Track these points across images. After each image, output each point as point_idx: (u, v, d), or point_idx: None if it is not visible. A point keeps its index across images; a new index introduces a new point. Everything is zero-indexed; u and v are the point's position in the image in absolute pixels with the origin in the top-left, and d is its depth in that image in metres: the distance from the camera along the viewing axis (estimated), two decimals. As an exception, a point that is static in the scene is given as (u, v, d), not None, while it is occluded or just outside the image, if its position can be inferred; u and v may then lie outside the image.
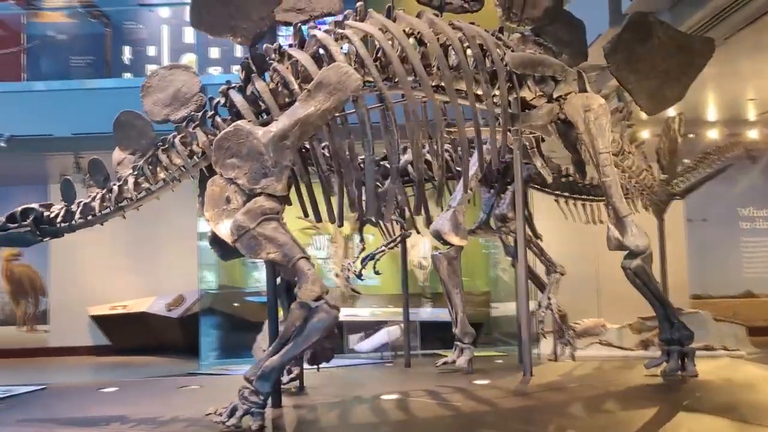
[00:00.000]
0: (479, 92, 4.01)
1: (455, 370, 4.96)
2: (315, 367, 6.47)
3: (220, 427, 3.16)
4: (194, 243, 11.98)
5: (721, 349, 8.05)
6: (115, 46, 13.06)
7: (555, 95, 4.33)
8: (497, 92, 4.17)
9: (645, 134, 10.03)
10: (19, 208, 3.74)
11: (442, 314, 11.82)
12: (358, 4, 3.96)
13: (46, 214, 3.79)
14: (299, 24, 3.83)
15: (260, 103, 3.60)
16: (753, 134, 8.90)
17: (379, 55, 3.74)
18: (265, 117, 3.58)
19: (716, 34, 5.89)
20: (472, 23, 4.15)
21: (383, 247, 6.39)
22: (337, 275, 11.58)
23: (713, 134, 9.35)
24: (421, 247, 12.54)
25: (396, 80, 3.71)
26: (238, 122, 3.46)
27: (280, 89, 3.63)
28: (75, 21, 13.43)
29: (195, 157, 3.68)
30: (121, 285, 13.56)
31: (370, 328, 9.06)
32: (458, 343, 5.06)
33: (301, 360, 4.59)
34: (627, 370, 5.08)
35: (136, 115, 3.72)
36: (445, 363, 5.05)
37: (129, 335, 13.46)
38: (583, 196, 5.93)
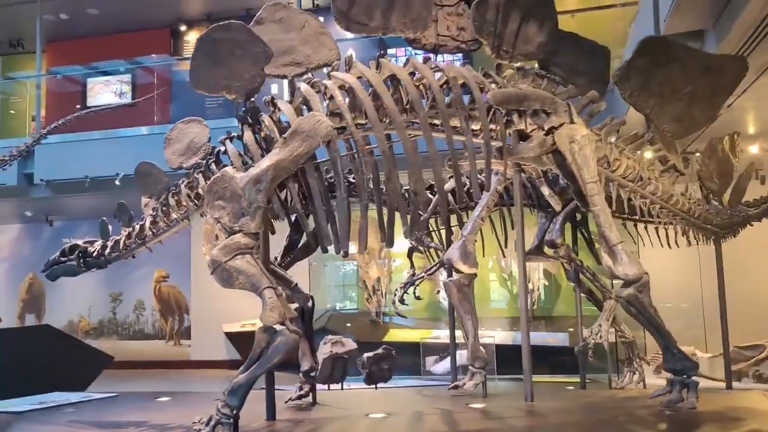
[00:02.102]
0: (462, 126, 4.26)
1: (464, 394, 5.13)
2: (373, 386, 6.91)
3: (197, 434, 3.67)
4: (306, 265, 12.84)
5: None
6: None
7: (546, 127, 4.44)
8: (494, 125, 4.40)
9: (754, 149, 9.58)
10: (68, 245, 4.52)
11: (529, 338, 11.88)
12: (347, 54, 4.37)
13: (90, 249, 4.54)
14: (292, 77, 4.29)
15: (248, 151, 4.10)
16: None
17: (356, 102, 4.11)
18: (251, 163, 4.07)
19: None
20: None
21: (422, 274, 6.67)
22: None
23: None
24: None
25: (369, 125, 4.06)
26: (225, 168, 3.98)
27: (270, 138, 4.11)
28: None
29: (199, 199, 4.25)
30: (251, 304, 14.70)
31: (446, 350, 9.27)
32: (471, 367, 5.22)
33: (313, 378, 4.99)
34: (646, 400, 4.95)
35: (152, 165, 4.38)
36: (456, 387, 5.23)
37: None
38: (635, 218, 5.85)
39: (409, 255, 6.78)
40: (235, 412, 3.67)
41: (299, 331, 3.71)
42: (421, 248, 6.73)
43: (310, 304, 5.02)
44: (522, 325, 4.77)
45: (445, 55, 4.47)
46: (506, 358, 10.32)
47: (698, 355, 8.09)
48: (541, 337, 12.04)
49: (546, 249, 6.47)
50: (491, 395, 5.15)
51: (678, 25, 5.82)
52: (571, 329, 12.95)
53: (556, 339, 12.30)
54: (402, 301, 6.81)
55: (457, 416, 4.32)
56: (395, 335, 13.11)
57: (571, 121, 4.43)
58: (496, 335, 11.98)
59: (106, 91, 15.53)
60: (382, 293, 13.28)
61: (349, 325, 13.83)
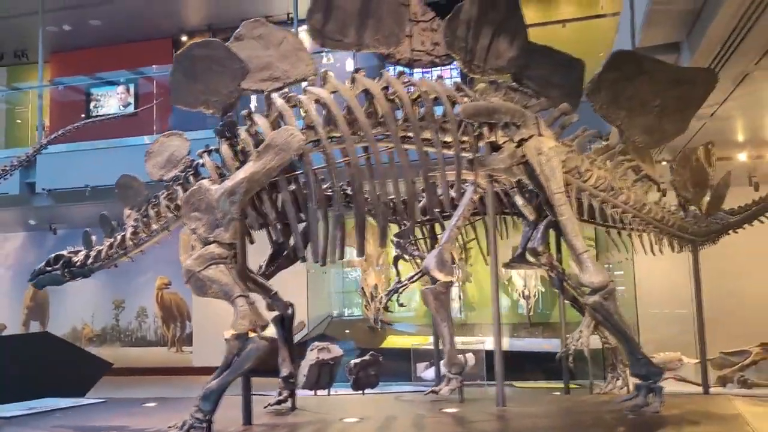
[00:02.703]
0: (433, 138, 4.40)
1: (441, 399, 5.24)
2: (360, 392, 7.03)
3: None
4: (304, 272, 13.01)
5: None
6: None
7: (516, 139, 4.57)
8: (466, 138, 4.54)
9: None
10: (53, 255, 4.68)
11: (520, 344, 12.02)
12: (322, 70, 4.52)
13: (74, 259, 4.69)
14: (269, 92, 4.44)
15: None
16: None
17: (329, 116, 4.25)
18: (227, 176, 4.22)
19: (743, 57, 5.72)
20: None
21: (405, 282, 6.78)
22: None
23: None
24: (518, 279, 12.75)
25: (341, 136, 4.21)
26: (202, 181, 4.14)
27: (246, 151, 4.26)
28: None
29: (178, 210, 4.40)
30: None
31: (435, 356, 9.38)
32: (447, 373, 5.33)
33: (292, 383, 5.11)
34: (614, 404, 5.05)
35: (133, 177, 4.54)
36: (433, 392, 5.34)
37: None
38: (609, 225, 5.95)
39: (395, 263, 6.90)
40: (208, 416, 3.81)
41: (270, 338, 3.83)
42: (406, 257, 6.84)
43: (290, 311, 5.15)
44: (494, 331, 4.87)
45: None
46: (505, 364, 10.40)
47: (684, 361, 8.16)
48: (537, 343, 12.13)
49: (529, 257, 6.57)
50: (468, 400, 5.26)
51: (653, 38, 5.93)
52: (568, 336, 13.07)
53: (551, 345, 12.37)
54: (387, 308, 6.93)
55: (426, 420, 4.45)
56: (393, 342, 13.22)
57: (540, 134, 4.55)
58: (490, 341, 12.13)
59: (112, 100, 15.77)
60: (380, 300, 13.39)
61: (348, 331, 13.94)
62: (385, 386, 8.33)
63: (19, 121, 16.54)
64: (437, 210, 5.82)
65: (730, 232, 6.45)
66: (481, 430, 4.13)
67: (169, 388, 13.61)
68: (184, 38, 15.76)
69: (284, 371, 5.08)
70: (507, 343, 12.53)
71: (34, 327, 16.85)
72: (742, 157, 9.35)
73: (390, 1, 4.49)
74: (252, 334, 3.82)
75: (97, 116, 13.80)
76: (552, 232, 6.59)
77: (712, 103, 6.99)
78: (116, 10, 14.49)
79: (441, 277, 5.14)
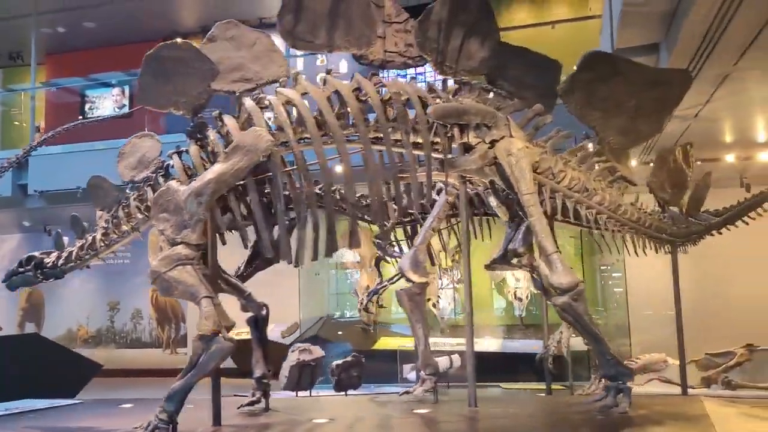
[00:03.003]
0: (404, 140, 4.40)
1: (415, 400, 5.25)
2: (342, 393, 7.02)
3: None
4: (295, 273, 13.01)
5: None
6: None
7: (487, 140, 4.57)
8: (438, 139, 4.54)
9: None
10: (25, 256, 4.69)
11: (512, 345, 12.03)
12: (293, 72, 4.53)
13: (46, 260, 4.70)
14: (241, 93, 4.45)
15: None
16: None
17: (298, 117, 4.26)
18: (196, 177, 4.22)
19: (721, 58, 5.72)
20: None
21: (385, 283, 6.79)
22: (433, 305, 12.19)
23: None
24: (512, 280, 12.76)
25: (309, 137, 4.21)
26: (170, 182, 4.14)
27: (215, 152, 4.26)
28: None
29: (149, 211, 4.40)
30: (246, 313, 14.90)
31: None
32: (422, 374, 5.34)
33: (266, 384, 5.11)
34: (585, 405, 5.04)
35: (103, 178, 4.56)
36: (407, 392, 5.34)
37: (251, 359, 14.80)
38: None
39: (377, 264, 6.91)
40: (172, 417, 3.81)
41: (234, 339, 3.84)
42: (387, 258, 6.85)
43: (264, 312, 5.16)
44: (467, 332, 4.87)
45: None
46: (495, 366, 10.45)
47: (669, 362, 8.13)
48: (530, 345, 12.09)
49: (510, 258, 6.56)
50: (442, 401, 5.25)
51: (631, 39, 5.92)
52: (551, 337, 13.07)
53: (539, 346, 12.35)
54: (366, 309, 6.94)
55: (394, 421, 4.45)
56: (386, 343, 13.21)
57: (510, 135, 4.55)
58: (487, 343, 12.12)
59: (107, 102, 15.82)
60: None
61: (340, 333, 13.93)
62: (373, 387, 8.33)
63: (16, 123, 16.58)
64: (413, 212, 5.82)
65: (715, 233, 6.44)
66: (444, 430, 4.13)
67: (163, 390, 13.59)
68: (177, 40, 15.76)
69: (257, 372, 5.09)
70: (500, 345, 12.53)
71: (30, 328, 16.88)
72: (730, 158, 9.33)
73: (360, 3, 4.50)
74: (217, 335, 3.81)
75: (89, 118, 13.81)
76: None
77: (694, 104, 7.00)
78: (110, 13, 14.53)
79: (415, 278, 5.18)
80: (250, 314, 5.15)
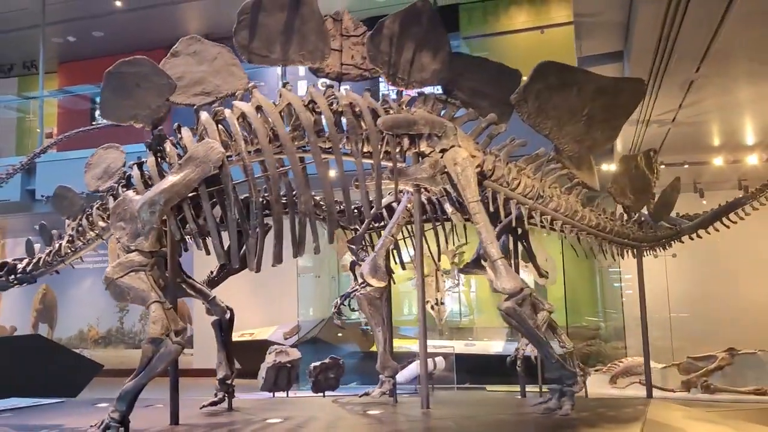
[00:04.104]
0: (354, 150, 4.58)
1: (375, 402, 5.41)
2: (321, 394, 7.20)
3: (92, 435, 4.03)
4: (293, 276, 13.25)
5: (775, 393, 7.46)
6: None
7: (438, 149, 4.72)
8: (388, 149, 4.71)
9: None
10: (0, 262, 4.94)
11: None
12: (250, 84, 4.72)
13: (18, 266, 4.95)
14: (199, 106, 4.65)
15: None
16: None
17: (250, 129, 4.45)
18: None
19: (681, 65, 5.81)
20: None
21: (357, 287, 6.92)
22: (432, 307, 12.33)
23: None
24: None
25: (260, 149, 4.40)
26: (127, 192, 4.35)
27: (172, 163, 4.47)
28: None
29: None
30: (251, 315, 15.20)
31: (406, 359, 9.51)
32: (381, 376, 5.49)
33: (229, 386, 5.31)
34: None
35: (68, 188, 4.79)
36: (366, 394, 5.49)
37: (255, 360, 15.03)
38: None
39: (351, 269, 7.06)
40: (124, 416, 4.01)
41: (183, 342, 4.03)
42: (360, 263, 7.00)
43: (227, 316, 5.35)
44: (420, 334, 4.99)
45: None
46: (488, 368, 10.54)
47: (650, 365, 8.19)
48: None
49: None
50: (402, 403, 5.40)
51: (595, 47, 6.02)
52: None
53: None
54: (339, 313, 7.10)
55: (342, 421, 4.61)
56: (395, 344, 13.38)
57: (458, 144, 4.69)
58: (484, 345, 12.21)
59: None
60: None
61: (340, 335, 14.12)
62: (354, 389, 8.51)
63: (38, 129, 17.04)
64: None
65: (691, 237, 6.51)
66: (379, 429, 4.30)
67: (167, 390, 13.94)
68: (137, 57, 16.08)
69: (220, 373, 5.29)
70: (501, 347, 12.62)
71: (43, 329, 17.33)
72: (718, 161, 9.36)
73: (313, 19, 4.67)
74: (165, 338, 4.01)
75: (95, 125, 14.16)
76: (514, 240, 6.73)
77: (668, 109, 7.08)
78: (117, 22, 14.90)
79: (374, 282, 5.34)
80: (214, 318, 5.34)
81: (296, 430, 4.37)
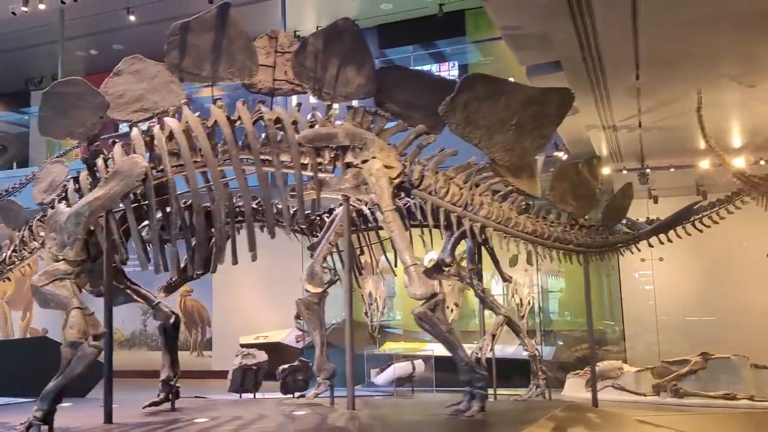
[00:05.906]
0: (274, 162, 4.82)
1: (313, 403, 5.60)
2: (291, 395, 7.43)
3: (20, 433, 4.33)
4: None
5: (748, 398, 7.36)
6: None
7: (360, 161, 4.90)
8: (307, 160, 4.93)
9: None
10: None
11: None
12: (182, 102, 4.99)
13: (-24, 273, 5.33)
14: (135, 122, 4.94)
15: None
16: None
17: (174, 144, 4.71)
18: (84, 200, 4.72)
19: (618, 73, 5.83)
20: None
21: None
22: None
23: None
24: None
25: (183, 163, 4.66)
26: (59, 204, 4.66)
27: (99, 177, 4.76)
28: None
29: (51, 231, 4.94)
30: (266, 318, 15.55)
31: (386, 362, 9.66)
32: (318, 378, 5.68)
33: (171, 386, 5.57)
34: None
35: (12, 202, 5.14)
36: (302, 396, 5.69)
37: (269, 362, 15.40)
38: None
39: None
40: (46, 416, 4.31)
41: (101, 346, 4.31)
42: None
43: (171, 321, 5.62)
44: (346, 337, 5.16)
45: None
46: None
47: (625, 369, 8.19)
48: (520, 350, 12.17)
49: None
50: (336, 405, 5.58)
51: (534, 57, 6.04)
52: (561, 342, 13.06)
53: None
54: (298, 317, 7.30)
55: (265, 420, 4.83)
56: (391, 347, 13.54)
57: (375, 156, 4.85)
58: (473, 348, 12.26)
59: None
60: (376, 308, 13.76)
61: (347, 337, 14.34)
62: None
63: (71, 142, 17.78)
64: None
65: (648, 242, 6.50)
66: (296, 428, 4.49)
67: (188, 391, 14.37)
68: (72, 78, 16.60)
69: (163, 375, 5.56)
70: (498, 351, 12.63)
71: (72, 332, 17.99)
72: (704, 164, 9.25)
73: (240, 38, 4.90)
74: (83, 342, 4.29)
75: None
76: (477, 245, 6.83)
77: (628, 116, 7.08)
78: (134, 35, 15.47)
79: (311, 288, 5.54)
80: (158, 323, 5.62)
81: (210, 429, 4.60)
